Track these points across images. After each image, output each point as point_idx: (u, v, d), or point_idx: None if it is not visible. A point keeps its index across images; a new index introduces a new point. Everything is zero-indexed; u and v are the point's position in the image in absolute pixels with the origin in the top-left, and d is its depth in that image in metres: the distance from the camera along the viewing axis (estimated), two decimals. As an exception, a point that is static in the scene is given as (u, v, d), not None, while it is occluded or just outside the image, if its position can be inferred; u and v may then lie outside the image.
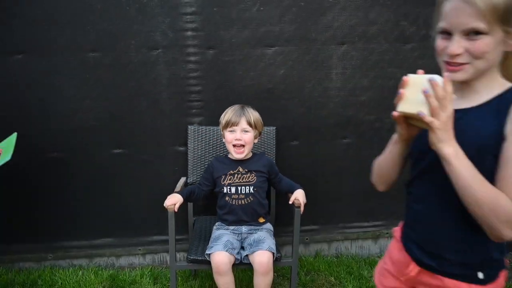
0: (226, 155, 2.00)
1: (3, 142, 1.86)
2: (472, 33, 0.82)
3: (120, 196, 2.28)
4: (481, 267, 0.92)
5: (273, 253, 1.74)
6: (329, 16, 2.12)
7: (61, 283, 2.19)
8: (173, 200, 1.77)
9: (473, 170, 0.81)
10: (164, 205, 1.76)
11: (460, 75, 0.87)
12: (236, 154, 1.89)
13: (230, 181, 1.91)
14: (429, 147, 0.85)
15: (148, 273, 2.29)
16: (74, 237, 2.32)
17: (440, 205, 0.94)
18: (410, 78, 0.84)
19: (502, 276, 0.95)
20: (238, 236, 1.88)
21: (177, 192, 1.86)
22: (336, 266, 2.37)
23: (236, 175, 1.92)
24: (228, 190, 1.90)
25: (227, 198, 1.90)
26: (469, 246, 0.92)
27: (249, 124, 1.88)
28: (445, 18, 0.86)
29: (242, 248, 1.82)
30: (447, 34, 0.86)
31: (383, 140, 2.46)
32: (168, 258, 2.41)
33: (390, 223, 2.48)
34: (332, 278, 2.28)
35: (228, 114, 1.90)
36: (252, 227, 1.90)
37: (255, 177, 1.92)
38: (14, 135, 1.83)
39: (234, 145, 1.88)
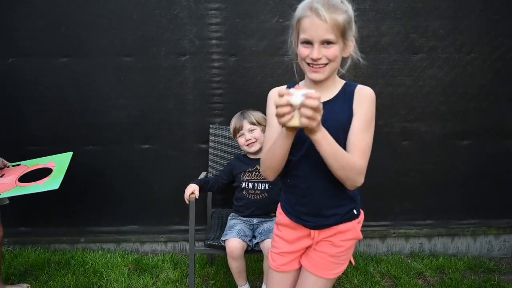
0: (245, 154, 2.18)
1: (57, 156, 2.01)
2: (326, 43, 1.12)
3: (146, 188, 2.50)
4: (354, 207, 1.31)
5: None
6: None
7: (91, 264, 2.42)
8: (190, 190, 2.00)
9: (335, 145, 1.10)
10: (186, 199, 1.98)
11: (321, 75, 1.17)
12: (250, 149, 2.08)
13: (249, 178, 2.10)
14: (305, 137, 1.09)
15: (169, 259, 2.49)
16: (104, 223, 2.55)
17: (321, 178, 1.23)
18: (291, 91, 0.99)
19: (362, 211, 1.37)
20: (250, 226, 2.05)
21: (192, 182, 2.07)
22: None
23: (254, 172, 2.11)
24: (246, 185, 2.09)
25: (244, 192, 2.09)
26: (343, 198, 1.28)
27: (252, 123, 2.07)
28: (306, 31, 1.13)
29: (254, 237, 1.99)
30: (308, 43, 1.14)
31: (392, 143, 2.62)
32: (187, 247, 2.61)
33: (398, 224, 2.60)
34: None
35: (232, 123, 2.13)
36: (262, 219, 2.07)
37: None
38: (70, 154, 1.99)
39: (247, 145, 2.08)
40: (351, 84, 1.26)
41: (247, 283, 2.02)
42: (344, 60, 1.23)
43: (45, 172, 1.94)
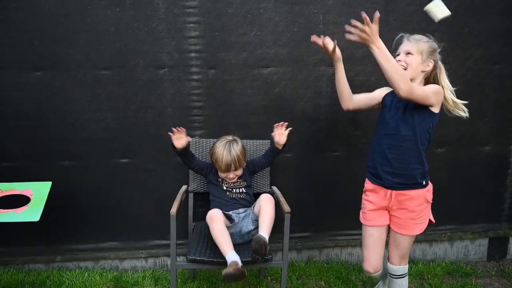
0: None
1: (35, 184, 1.95)
2: (407, 53, 1.75)
3: (126, 203, 2.45)
4: (423, 179, 1.76)
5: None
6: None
7: (68, 284, 2.34)
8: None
9: (389, 55, 1.55)
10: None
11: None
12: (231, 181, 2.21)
13: (227, 185, 2.20)
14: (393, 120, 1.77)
15: (149, 275, 2.44)
16: (81, 241, 2.48)
17: (406, 148, 1.74)
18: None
19: (430, 183, 1.80)
20: (237, 215, 2.15)
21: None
22: (326, 271, 2.53)
23: (230, 182, 2.21)
24: (227, 188, 2.22)
25: (228, 193, 2.21)
26: (415, 170, 1.74)
27: (237, 168, 2.15)
28: (398, 49, 1.78)
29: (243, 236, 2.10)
30: (398, 55, 1.77)
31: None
32: (168, 262, 2.56)
33: (377, 232, 2.64)
34: (322, 282, 2.43)
35: (218, 162, 2.13)
36: (248, 208, 2.20)
37: (244, 182, 2.24)
38: (48, 184, 1.95)
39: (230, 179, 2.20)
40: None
41: (233, 250, 1.88)
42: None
43: (21, 199, 1.87)
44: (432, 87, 1.72)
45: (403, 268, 1.88)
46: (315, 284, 2.41)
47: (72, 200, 2.41)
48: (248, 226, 2.11)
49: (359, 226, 2.67)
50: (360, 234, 2.63)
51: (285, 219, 1.96)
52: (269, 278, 2.46)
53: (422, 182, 1.76)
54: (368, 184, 1.90)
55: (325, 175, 2.53)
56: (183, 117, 2.36)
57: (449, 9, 2.39)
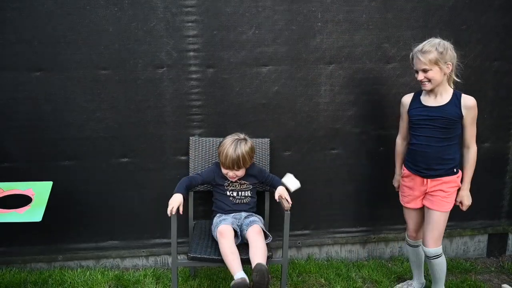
0: None
1: (36, 184, 1.95)
2: (424, 70, 1.91)
3: (126, 202, 2.46)
4: (455, 167, 2.02)
5: (263, 228, 2.09)
6: (318, 39, 2.34)
7: (70, 283, 2.36)
8: (175, 204, 1.95)
9: (470, 176, 2.08)
10: (169, 213, 1.93)
11: (428, 87, 1.94)
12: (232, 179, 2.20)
13: (233, 188, 2.21)
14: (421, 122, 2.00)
15: (150, 273, 2.45)
16: (83, 240, 2.49)
17: (433, 147, 1.98)
18: None
19: (460, 171, 2.05)
20: (238, 220, 2.14)
21: (176, 192, 2.03)
22: (326, 268, 2.54)
23: (236, 184, 2.21)
24: (231, 193, 2.21)
25: (231, 198, 2.21)
26: (448, 160, 1.99)
27: (240, 167, 2.13)
28: (414, 65, 1.96)
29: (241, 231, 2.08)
30: (417, 72, 1.95)
31: (369, 150, 2.67)
32: (169, 260, 2.58)
33: (377, 229, 2.66)
34: (322, 279, 2.44)
35: (222, 157, 2.12)
36: (248, 213, 2.20)
37: (250, 185, 2.22)
38: (49, 184, 1.95)
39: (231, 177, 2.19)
40: (457, 93, 1.97)
41: (242, 270, 1.90)
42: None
43: (23, 199, 1.88)
44: (475, 122, 1.98)
45: (439, 249, 2.06)
46: (315, 281, 2.42)
47: (73, 200, 2.42)
48: (244, 228, 2.11)
49: (358, 223, 2.71)
50: (359, 231, 2.67)
51: (285, 217, 1.97)
52: (269, 275, 2.47)
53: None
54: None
55: (324, 173, 2.53)
56: (182, 116, 2.37)
57: (447, 6, 2.41)
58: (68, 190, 2.40)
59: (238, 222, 2.13)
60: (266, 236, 2.05)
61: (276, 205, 2.20)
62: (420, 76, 1.91)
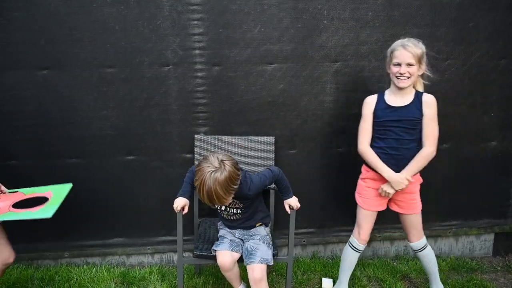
0: None
1: (56, 187, 1.98)
2: (408, 65, 1.88)
3: (132, 200, 2.48)
4: None
5: (266, 260, 1.88)
6: (324, 37, 2.34)
7: (77, 279, 2.38)
8: (181, 202, 1.91)
9: (417, 168, 2.00)
10: (175, 208, 1.89)
11: (405, 84, 1.92)
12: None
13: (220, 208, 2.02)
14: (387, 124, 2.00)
15: (156, 271, 2.47)
16: (89, 237, 2.51)
17: (398, 150, 1.98)
18: None
19: None
20: (239, 236, 2.05)
21: (180, 196, 1.95)
22: (331, 267, 2.54)
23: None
24: (219, 207, 2.02)
25: (219, 211, 2.05)
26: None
27: (218, 203, 1.80)
28: (398, 58, 1.91)
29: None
30: (398, 65, 1.91)
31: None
32: (174, 258, 2.59)
33: (382, 227, 2.65)
34: (327, 277, 2.44)
35: (197, 190, 1.79)
36: (245, 231, 2.03)
37: (241, 204, 1.97)
38: (69, 186, 1.97)
39: None
40: (418, 92, 1.99)
41: (242, 282, 2.04)
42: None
43: (40, 200, 1.90)
44: (435, 120, 1.96)
45: (423, 241, 2.15)
46: (320, 280, 2.42)
47: (79, 197, 2.43)
48: (244, 252, 1.96)
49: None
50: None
51: (290, 215, 1.97)
52: (274, 273, 2.48)
53: None
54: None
55: (329, 171, 2.53)
56: (187, 114, 2.38)
57: (454, 3, 2.39)
58: (74, 188, 2.38)
59: (238, 236, 2.02)
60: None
61: (281, 203, 2.19)
62: (404, 69, 1.87)
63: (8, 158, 2.34)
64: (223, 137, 2.35)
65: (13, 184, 2.43)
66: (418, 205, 2.07)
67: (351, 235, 2.21)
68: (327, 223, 2.62)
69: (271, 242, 2.02)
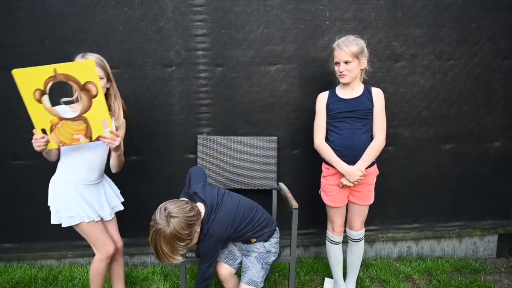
0: None
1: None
2: (346, 62, 1.98)
3: (135, 199, 2.48)
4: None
5: (255, 283, 1.83)
6: (326, 37, 2.34)
7: (80, 279, 2.39)
8: None
9: (367, 160, 2.05)
10: None
11: (346, 80, 2.02)
12: None
13: None
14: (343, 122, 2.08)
15: (159, 271, 2.48)
16: (92, 237, 2.52)
17: (354, 141, 2.04)
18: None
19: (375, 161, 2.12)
20: (237, 247, 1.97)
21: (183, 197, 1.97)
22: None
23: None
24: None
25: None
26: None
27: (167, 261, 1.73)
28: (336, 57, 2.01)
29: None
30: (338, 63, 2.01)
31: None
32: (177, 258, 2.59)
33: (385, 228, 2.65)
34: (330, 277, 2.43)
35: None
36: (243, 245, 1.92)
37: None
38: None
39: None
40: (367, 86, 2.09)
41: None
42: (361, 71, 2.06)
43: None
44: (383, 111, 2.06)
45: (363, 231, 2.21)
46: (322, 280, 2.42)
47: (83, 197, 2.45)
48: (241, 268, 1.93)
49: (366, 222, 2.68)
50: (367, 230, 2.66)
51: (293, 215, 1.97)
52: (277, 274, 2.48)
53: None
54: None
55: (333, 172, 2.53)
56: (190, 114, 2.39)
57: (456, 4, 2.39)
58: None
59: (239, 249, 1.96)
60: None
61: (284, 204, 2.20)
62: (342, 67, 1.98)
63: (14, 157, 2.36)
64: (225, 137, 2.36)
65: (15, 183, 2.45)
66: (372, 196, 2.13)
67: (326, 231, 2.25)
68: (330, 223, 2.61)
69: (269, 262, 1.90)
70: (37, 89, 1.67)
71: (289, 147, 2.47)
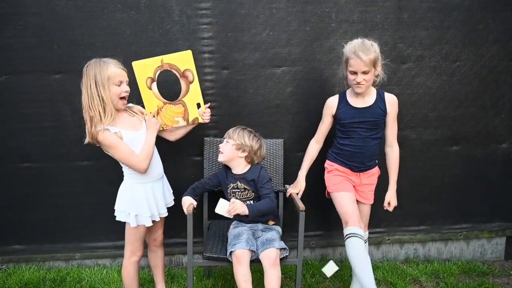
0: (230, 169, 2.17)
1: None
2: (364, 73, 1.89)
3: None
4: (377, 159, 2.14)
5: (282, 250, 1.95)
6: (332, 40, 2.35)
7: (87, 280, 2.41)
8: (188, 202, 2.01)
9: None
10: (185, 210, 1.97)
11: (362, 89, 1.96)
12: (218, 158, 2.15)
13: (234, 195, 2.12)
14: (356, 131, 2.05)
15: (165, 273, 2.48)
16: (100, 239, 2.54)
17: (363, 148, 2.06)
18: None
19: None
20: (254, 233, 2.06)
21: (185, 195, 2.08)
22: (340, 269, 2.52)
23: (237, 192, 2.13)
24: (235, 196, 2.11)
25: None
26: (374, 156, 2.11)
27: (228, 136, 2.13)
28: (353, 66, 1.90)
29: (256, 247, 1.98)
30: (355, 73, 1.91)
31: (383, 151, 2.64)
32: (183, 260, 2.61)
33: (392, 230, 2.64)
34: (336, 280, 2.43)
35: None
36: (262, 226, 2.10)
37: (252, 193, 2.11)
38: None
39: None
40: (380, 91, 2.06)
41: None
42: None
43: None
44: (396, 121, 2.08)
45: (367, 233, 2.26)
46: (329, 283, 2.42)
47: (90, 199, 2.47)
48: (259, 245, 2.00)
49: (372, 224, 2.68)
50: (374, 232, 2.65)
51: (300, 218, 1.97)
52: (283, 276, 2.48)
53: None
54: None
55: (339, 174, 2.52)
56: (197, 117, 2.40)
57: (463, 5, 2.38)
58: (86, 189, 2.45)
59: (255, 235, 2.06)
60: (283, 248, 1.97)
61: (290, 206, 2.20)
62: (360, 78, 1.90)
63: (23, 160, 2.38)
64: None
65: (24, 185, 2.48)
66: (373, 196, 2.17)
67: (343, 231, 2.03)
68: (336, 225, 2.60)
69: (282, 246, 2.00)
70: (148, 77, 2.00)
71: (295, 149, 2.47)
